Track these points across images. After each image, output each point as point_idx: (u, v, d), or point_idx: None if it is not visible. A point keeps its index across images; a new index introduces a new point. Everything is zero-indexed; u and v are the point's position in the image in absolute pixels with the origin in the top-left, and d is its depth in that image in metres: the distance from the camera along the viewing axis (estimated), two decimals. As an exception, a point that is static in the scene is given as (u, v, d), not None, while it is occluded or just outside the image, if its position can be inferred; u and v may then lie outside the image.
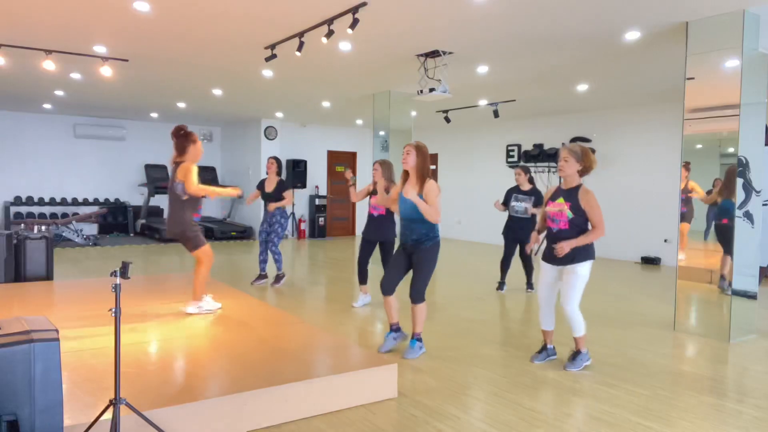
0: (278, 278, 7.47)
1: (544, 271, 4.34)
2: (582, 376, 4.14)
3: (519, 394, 3.74)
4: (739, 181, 5.13)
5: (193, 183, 4.93)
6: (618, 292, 7.38)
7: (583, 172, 4.18)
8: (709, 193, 5.56)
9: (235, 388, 3.21)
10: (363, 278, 6.25)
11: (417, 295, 4.44)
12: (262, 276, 7.53)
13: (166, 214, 5.06)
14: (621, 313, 6.19)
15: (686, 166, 5.59)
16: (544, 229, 4.48)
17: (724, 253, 5.42)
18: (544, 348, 4.50)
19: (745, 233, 5.22)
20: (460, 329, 5.39)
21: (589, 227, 4.13)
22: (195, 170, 5.01)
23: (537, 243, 4.65)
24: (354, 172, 5.66)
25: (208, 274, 5.19)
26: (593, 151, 11.00)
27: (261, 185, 7.39)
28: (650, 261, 10.23)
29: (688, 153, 5.52)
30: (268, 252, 7.42)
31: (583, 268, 4.13)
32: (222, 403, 3.07)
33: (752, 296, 5.33)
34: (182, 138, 5.05)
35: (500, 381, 4.00)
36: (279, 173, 7.38)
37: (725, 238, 5.40)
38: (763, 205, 5.55)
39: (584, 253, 4.12)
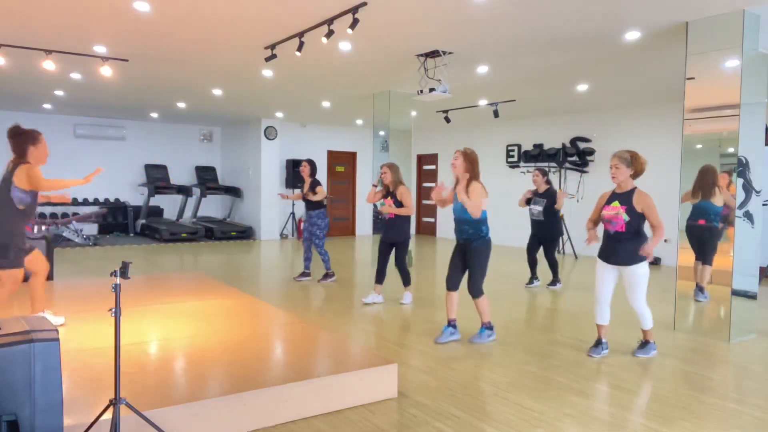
0: (326, 276, 7.72)
1: (602, 270, 4.56)
2: (582, 376, 4.14)
3: (519, 394, 3.74)
4: (739, 181, 5.13)
5: (42, 182, 4.17)
6: (618, 292, 7.37)
7: (635, 176, 4.41)
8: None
9: (235, 388, 3.21)
10: (380, 278, 6.40)
11: (474, 290, 4.85)
12: (305, 273, 7.81)
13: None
14: (621, 313, 6.18)
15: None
16: (593, 226, 4.68)
17: (701, 261, 5.43)
18: (600, 341, 4.68)
19: (745, 233, 5.22)
20: (460, 329, 5.38)
21: (646, 228, 4.39)
22: (38, 172, 4.22)
23: (595, 236, 4.68)
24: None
25: (7, 297, 4.29)
26: (592, 151, 11.03)
27: (301, 187, 7.86)
28: (650, 261, 10.22)
29: (688, 153, 5.52)
30: (312, 251, 7.75)
31: (644, 267, 4.40)
32: (222, 403, 3.07)
33: (752, 296, 5.33)
34: (19, 138, 4.28)
35: (500, 381, 4.00)
36: (311, 174, 7.60)
37: (702, 241, 5.41)
38: (763, 205, 5.55)
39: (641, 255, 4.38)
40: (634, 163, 4.37)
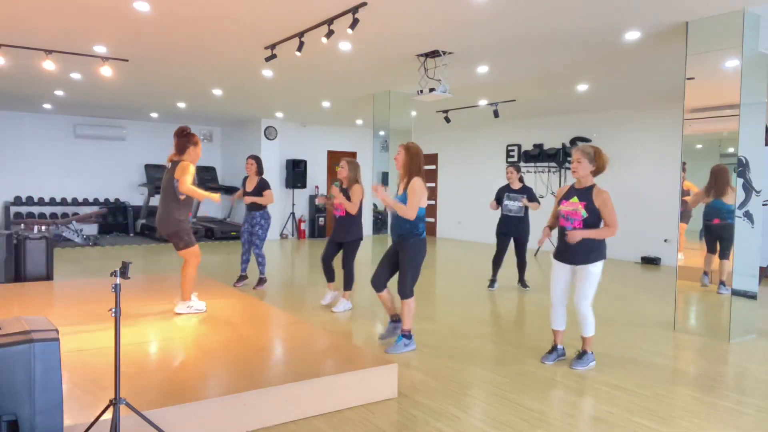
0: (260, 281, 7.25)
1: (556, 270, 4.37)
2: (582, 376, 4.14)
3: (519, 394, 3.74)
4: (739, 181, 5.14)
5: (186, 182, 4.91)
6: (618, 292, 7.38)
7: (596, 173, 4.26)
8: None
9: (235, 388, 3.21)
10: (328, 276, 6.20)
11: (402, 290, 4.58)
12: (243, 277, 7.39)
13: (158, 213, 5.14)
14: (621, 313, 6.19)
15: (682, 166, 5.63)
16: (554, 225, 4.53)
17: (713, 254, 5.46)
18: (554, 348, 4.51)
19: (745, 233, 5.22)
20: (460, 329, 5.38)
21: (602, 225, 4.21)
22: (192, 170, 5.01)
23: (548, 237, 4.59)
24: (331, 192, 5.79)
25: (195, 274, 5.18)
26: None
27: (243, 184, 7.25)
28: (650, 261, 10.23)
29: (688, 153, 5.52)
30: (251, 253, 7.28)
31: (596, 267, 4.21)
32: (222, 403, 3.07)
33: (752, 296, 5.33)
34: (184, 138, 5.09)
35: (500, 381, 4.00)
36: (259, 173, 7.15)
37: (720, 239, 5.44)
38: (763, 205, 5.55)
39: (597, 253, 4.20)
40: (597, 160, 4.21)
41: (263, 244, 7.18)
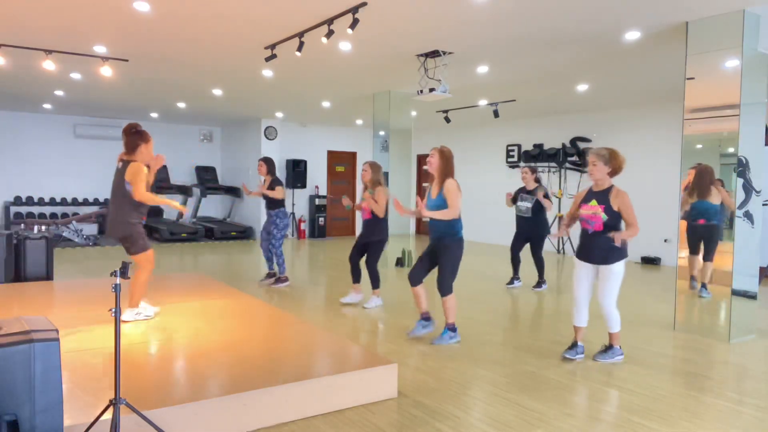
0: (278, 279, 7.43)
1: (579, 269, 4.45)
2: (582, 376, 4.14)
3: (519, 394, 3.74)
4: (739, 181, 5.14)
5: (140, 189, 4.60)
6: (618, 292, 7.37)
7: (612, 174, 4.31)
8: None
9: (235, 388, 3.21)
10: (354, 276, 6.36)
11: (441, 288, 4.80)
12: (270, 274, 7.60)
13: (111, 214, 4.79)
14: (621, 313, 6.15)
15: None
16: (571, 223, 4.56)
17: (696, 256, 5.48)
18: (575, 344, 4.56)
19: (745, 233, 5.22)
20: (460, 329, 5.38)
21: (622, 226, 4.27)
22: (145, 172, 4.66)
23: (565, 232, 4.56)
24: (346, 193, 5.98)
25: (147, 280, 4.90)
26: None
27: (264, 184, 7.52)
28: (650, 261, 10.23)
29: (688, 153, 5.52)
30: (270, 251, 7.45)
31: (619, 266, 4.30)
32: (222, 403, 3.07)
33: (752, 296, 5.33)
34: (134, 136, 4.70)
35: (500, 381, 4.00)
36: (270, 172, 7.32)
37: (705, 240, 5.45)
38: (763, 205, 5.56)
39: (619, 253, 4.28)
40: (612, 161, 4.25)
41: (281, 243, 7.34)
